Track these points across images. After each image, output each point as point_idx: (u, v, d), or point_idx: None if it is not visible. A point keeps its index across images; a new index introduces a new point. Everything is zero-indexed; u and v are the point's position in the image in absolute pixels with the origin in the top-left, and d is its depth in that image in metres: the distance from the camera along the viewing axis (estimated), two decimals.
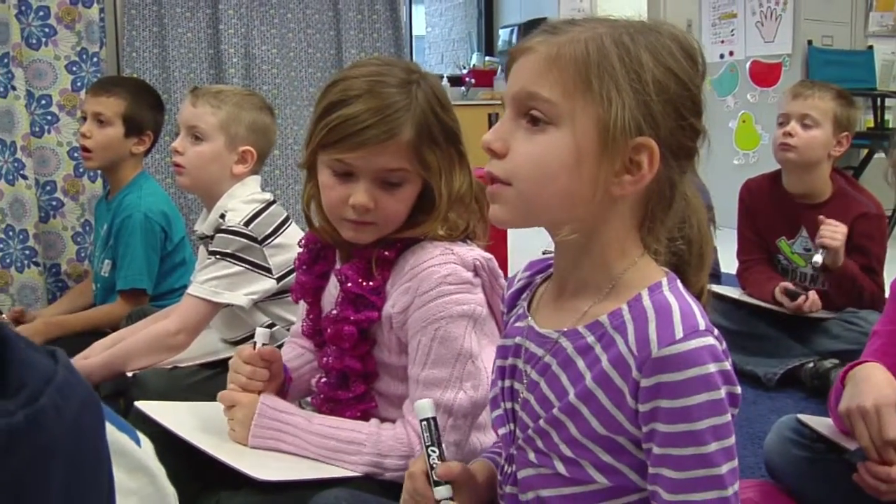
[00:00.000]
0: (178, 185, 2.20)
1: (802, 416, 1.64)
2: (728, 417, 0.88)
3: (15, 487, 0.47)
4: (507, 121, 0.95)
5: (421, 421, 1.10)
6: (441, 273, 1.32)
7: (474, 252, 1.38)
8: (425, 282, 1.33)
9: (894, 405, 1.38)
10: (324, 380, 1.47)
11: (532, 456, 1.01)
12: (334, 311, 1.41)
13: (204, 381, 1.98)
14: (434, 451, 1.08)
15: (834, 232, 2.47)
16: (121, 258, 2.56)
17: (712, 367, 0.87)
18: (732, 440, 0.89)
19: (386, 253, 1.38)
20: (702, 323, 0.90)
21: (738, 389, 0.90)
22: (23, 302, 3.10)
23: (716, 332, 0.91)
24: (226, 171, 2.09)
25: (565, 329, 0.98)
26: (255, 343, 1.47)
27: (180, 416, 1.50)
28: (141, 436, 0.67)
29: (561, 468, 0.97)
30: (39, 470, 0.49)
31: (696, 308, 0.92)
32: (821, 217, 2.51)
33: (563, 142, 0.91)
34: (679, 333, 0.88)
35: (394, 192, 1.35)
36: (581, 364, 0.95)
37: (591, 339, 0.95)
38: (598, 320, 0.95)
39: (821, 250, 2.51)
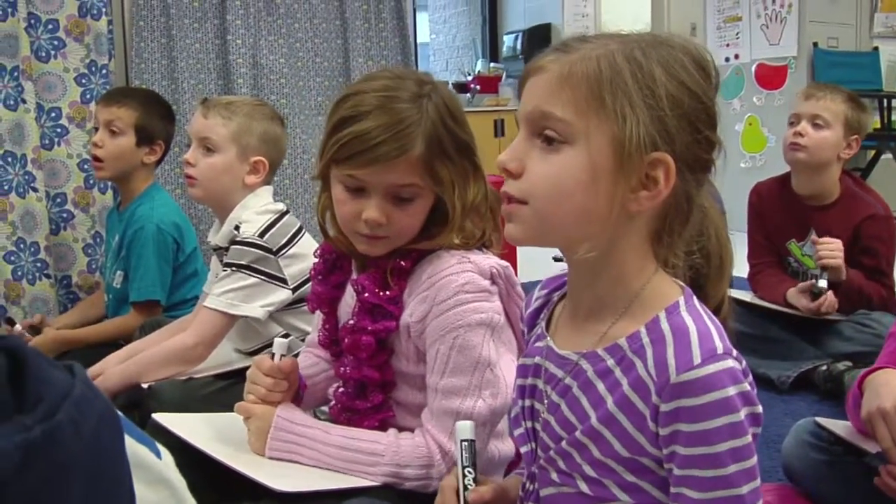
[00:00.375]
0: (191, 197, 2.20)
1: (820, 419, 1.64)
2: (748, 439, 0.87)
3: None
4: (522, 140, 0.95)
5: (461, 441, 1.11)
6: (459, 282, 1.32)
7: (491, 260, 1.38)
8: (443, 290, 1.33)
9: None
10: (341, 389, 1.47)
11: (554, 475, 1.01)
12: (351, 321, 1.41)
13: (219, 392, 1.98)
14: (470, 473, 1.09)
15: (831, 251, 2.48)
16: (133, 270, 2.56)
17: (731, 391, 0.87)
18: (754, 460, 0.88)
19: (402, 263, 1.38)
20: (720, 346, 0.89)
21: (760, 409, 0.89)
22: (34, 314, 3.10)
23: (734, 352, 0.90)
24: (238, 181, 2.09)
25: (584, 351, 0.98)
26: (273, 354, 1.47)
27: (197, 428, 1.50)
28: (161, 448, 0.67)
29: (584, 487, 0.97)
30: (57, 486, 0.49)
31: (713, 329, 0.92)
32: (813, 238, 2.52)
33: (578, 160, 0.91)
34: (697, 359, 0.87)
35: (406, 207, 1.35)
36: (601, 387, 0.95)
37: (610, 362, 0.95)
38: (618, 343, 0.94)
39: (822, 272, 2.52)
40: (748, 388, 0.88)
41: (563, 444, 0.98)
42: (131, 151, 2.62)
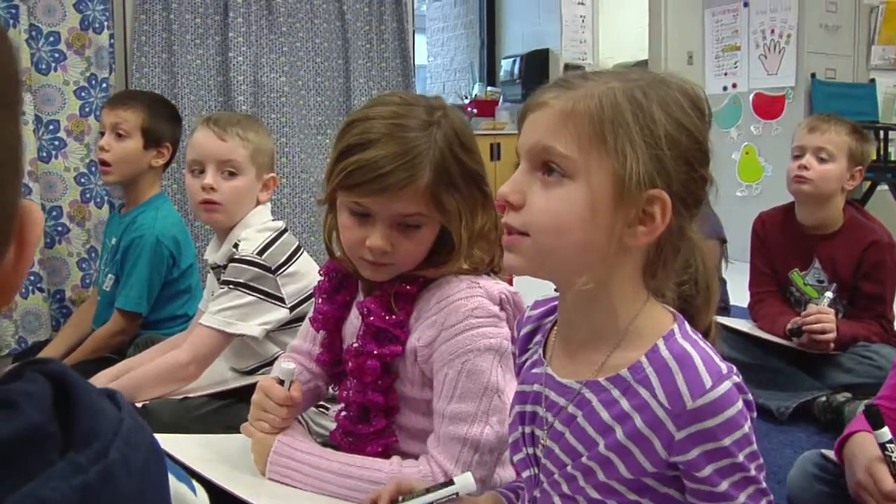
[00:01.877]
0: (209, 222, 2.11)
1: (826, 451, 1.62)
2: (753, 438, 0.93)
3: None
4: (523, 173, 0.98)
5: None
6: (469, 306, 1.31)
7: (500, 286, 1.37)
8: (452, 315, 1.31)
9: (880, 459, 1.40)
10: (343, 413, 1.45)
11: (557, 500, 1.02)
12: (356, 344, 1.39)
13: (214, 412, 1.96)
14: None
15: (822, 324, 2.50)
16: (125, 277, 2.54)
17: (740, 404, 0.92)
18: (760, 460, 0.95)
19: (407, 287, 1.37)
20: (723, 367, 0.93)
21: (749, 396, 0.95)
22: (26, 328, 3.07)
23: (734, 368, 0.94)
24: (254, 201, 2.08)
25: (585, 381, 1.00)
26: (281, 381, 1.44)
27: (194, 449, 1.48)
28: (196, 484, 0.64)
29: None
30: None
31: (711, 352, 0.96)
32: (797, 320, 2.54)
33: (579, 195, 0.93)
34: (708, 382, 0.91)
35: (411, 235, 1.34)
36: (606, 416, 0.97)
37: (615, 392, 0.97)
38: (620, 374, 0.97)
39: (832, 286, 2.53)
40: (745, 389, 0.94)
41: (569, 468, 1.00)
42: (139, 154, 2.58)
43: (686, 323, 0.99)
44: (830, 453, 1.62)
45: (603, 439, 0.97)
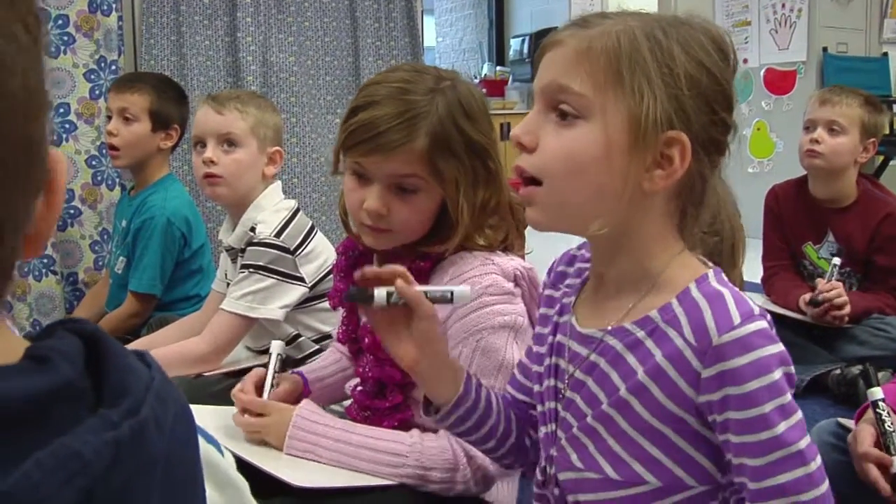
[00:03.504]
0: (214, 198, 2.13)
1: (842, 420, 1.62)
2: (790, 396, 0.88)
3: None
4: (536, 114, 0.95)
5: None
6: (482, 284, 1.30)
7: (514, 262, 1.36)
8: None
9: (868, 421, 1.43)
10: (360, 388, 1.45)
11: (575, 458, 0.99)
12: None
13: (229, 390, 1.95)
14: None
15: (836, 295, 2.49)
16: (137, 259, 2.55)
17: (771, 349, 0.87)
18: (799, 414, 0.88)
19: (421, 264, 1.36)
20: (755, 308, 0.89)
21: (793, 370, 0.90)
22: (40, 311, 3.08)
23: (768, 316, 0.90)
24: (259, 175, 2.07)
25: (610, 327, 0.96)
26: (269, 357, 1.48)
27: (209, 421, 1.48)
28: (223, 446, 0.63)
29: (609, 470, 0.96)
30: (141, 487, 0.46)
31: (745, 296, 0.92)
32: (818, 291, 2.52)
33: (593, 135, 0.90)
34: (737, 319, 0.87)
35: (407, 200, 1.34)
36: (632, 359, 0.94)
37: (640, 334, 0.94)
38: (648, 316, 0.93)
39: (837, 256, 2.56)
40: (782, 348, 0.89)
41: (588, 419, 0.97)
42: (147, 137, 2.59)
43: (723, 273, 0.95)
44: (847, 421, 1.62)
45: (624, 383, 0.94)
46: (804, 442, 0.88)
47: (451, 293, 1.03)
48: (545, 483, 1.05)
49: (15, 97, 0.44)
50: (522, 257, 1.44)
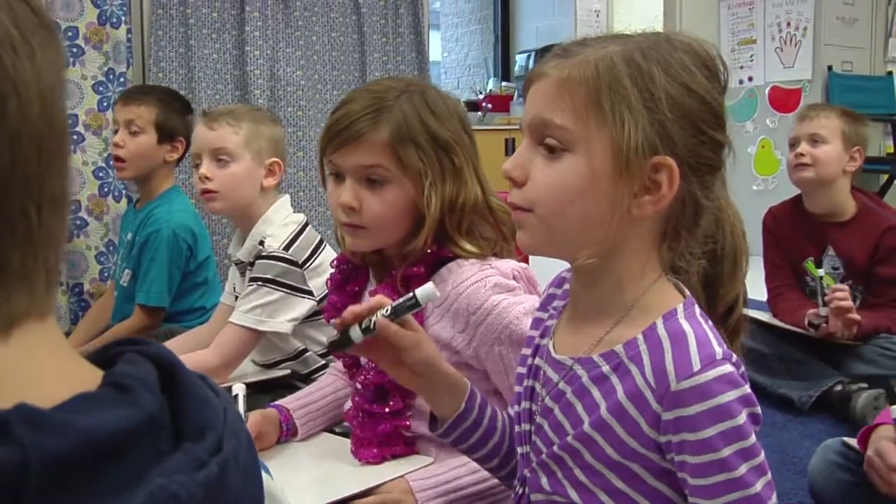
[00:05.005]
0: (211, 211, 2.16)
1: (847, 439, 1.62)
2: (753, 439, 0.86)
3: None
4: (526, 148, 0.95)
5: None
6: (488, 286, 1.33)
7: (511, 263, 1.40)
8: (474, 298, 1.33)
9: (889, 439, 1.41)
10: (359, 392, 1.45)
11: (544, 481, 0.98)
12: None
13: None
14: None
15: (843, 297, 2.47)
16: (144, 272, 2.54)
17: (731, 395, 0.85)
18: (762, 457, 0.87)
19: (413, 269, 1.38)
20: (718, 351, 0.87)
21: (759, 409, 0.88)
22: None
23: (733, 357, 0.89)
24: (256, 187, 2.06)
25: (579, 356, 0.96)
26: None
27: None
28: (268, 467, 0.61)
29: (575, 497, 0.95)
30: None
31: (710, 334, 0.90)
32: (812, 311, 2.50)
33: (579, 167, 0.90)
34: (696, 365, 0.86)
35: (377, 192, 1.38)
36: (596, 393, 0.93)
37: (606, 368, 0.92)
38: (614, 350, 0.92)
39: (822, 269, 2.55)
40: (747, 390, 0.87)
41: (555, 448, 0.96)
42: (153, 149, 2.60)
43: (696, 305, 0.94)
44: (852, 441, 1.62)
45: (588, 417, 0.93)
46: (761, 483, 0.86)
47: (415, 297, 1.04)
48: (518, 502, 1.05)
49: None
50: (525, 259, 1.46)
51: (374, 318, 1.04)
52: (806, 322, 2.56)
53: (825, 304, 2.46)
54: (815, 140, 2.63)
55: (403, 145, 1.36)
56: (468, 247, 1.38)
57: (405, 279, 1.37)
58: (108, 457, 0.41)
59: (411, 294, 1.04)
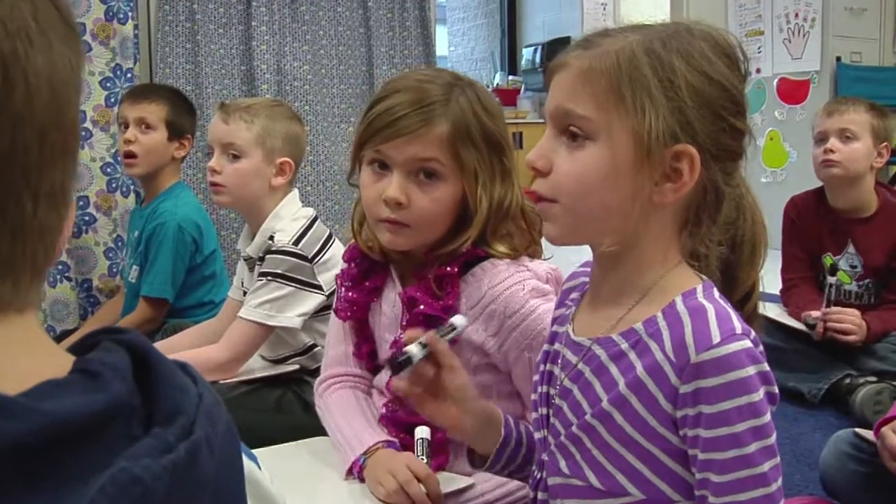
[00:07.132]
0: (217, 204, 2.16)
1: (860, 430, 1.61)
2: (767, 417, 0.87)
3: None
4: (549, 138, 0.96)
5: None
6: (525, 289, 1.31)
7: (544, 265, 1.38)
8: (512, 301, 1.31)
9: None
10: (387, 401, 1.44)
11: (563, 465, 1.00)
12: (401, 335, 1.35)
13: (243, 396, 1.97)
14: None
15: (847, 324, 2.47)
16: (149, 264, 2.57)
17: (751, 370, 0.86)
18: (773, 438, 0.88)
19: (447, 269, 1.34)
20: (738, 326, 0.89)
21: (776, 389, 0.89)
22: (55, 317, 3.10)
23: (752, 334, 0.90)
24: (266, 184, 2.06)
25: (599, 336, 0.97)
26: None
27: None
28: (257, 458, 0.61)
29: (593, 479, 0.96)
30: None
31: (731, 312, 0.91)
32: (815, 314, 2.50)
33: (600, 156, 0.91)
34: (717, 337, 0.87)
35: (427, 189, 1.32)
36: (615, 370, 0.94)
37: (625, 345, 0.94)
38: (633, 328, 0.94)
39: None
40: (766, 367, 0.88)
41: (574, 428, 0.98)
42: (164, 146, 2.65)
43: (715, 289, 0.95)
44: (864, 432, 1.61)
45: (607, 394, 0.94)
46: (769, 465, 0.87)
47: (453, 325, 1.11)
48: (536, 486, 1.06)
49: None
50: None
51: (421, 339, 1.08)
52: (805, 320, 2.56)
53: (828, 305, 2.47)
54: (845, 136, 2.59)
55: (461, 143, 1.32)
56: (501, 248, 1.35)
57: (438, 279, 1.34)
58: (74, 441, 0.42)
59: (450, 325, 1.11)
